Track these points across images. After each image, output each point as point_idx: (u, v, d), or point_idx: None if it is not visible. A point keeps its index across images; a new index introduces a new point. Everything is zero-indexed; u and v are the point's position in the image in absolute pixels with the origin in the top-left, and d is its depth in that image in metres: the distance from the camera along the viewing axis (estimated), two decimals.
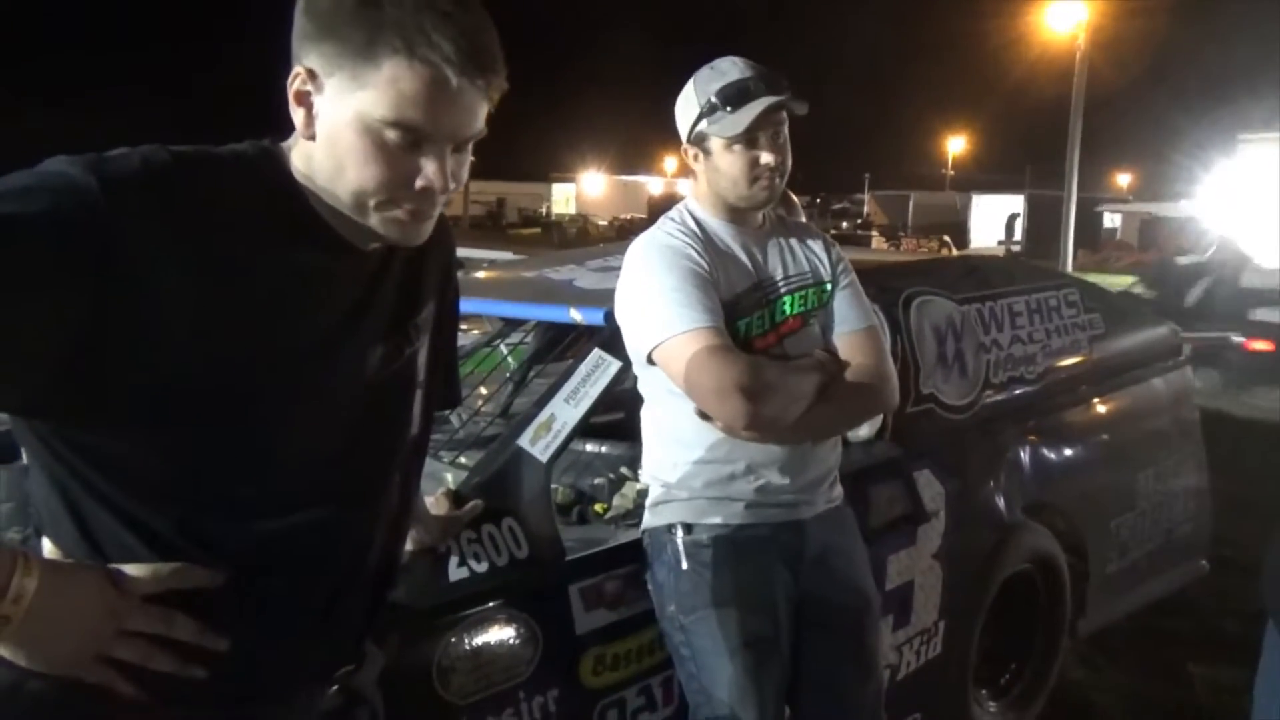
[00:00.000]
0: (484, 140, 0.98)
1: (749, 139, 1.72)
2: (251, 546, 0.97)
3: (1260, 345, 7.85)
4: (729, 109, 1.71)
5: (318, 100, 0.93)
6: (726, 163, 1.74)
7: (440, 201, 0.98)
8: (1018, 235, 35.96)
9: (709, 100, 1.73)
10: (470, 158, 1.00)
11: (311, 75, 0.92)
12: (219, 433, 0.92)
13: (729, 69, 1.74)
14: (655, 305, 1.68)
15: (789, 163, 1.78)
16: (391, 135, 0.91)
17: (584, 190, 60.93)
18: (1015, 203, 38.99)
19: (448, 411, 2.70)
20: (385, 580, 1.16)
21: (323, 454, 1.01)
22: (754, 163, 1.72)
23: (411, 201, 0.96)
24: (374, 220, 0.96)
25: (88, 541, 0.93)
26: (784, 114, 1.74)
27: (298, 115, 0.95)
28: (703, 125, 1.75)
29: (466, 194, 45.33)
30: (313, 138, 0.95)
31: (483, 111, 0.96)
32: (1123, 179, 59.04)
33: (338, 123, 0.92)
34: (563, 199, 60.70)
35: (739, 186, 1.74)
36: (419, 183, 0.94)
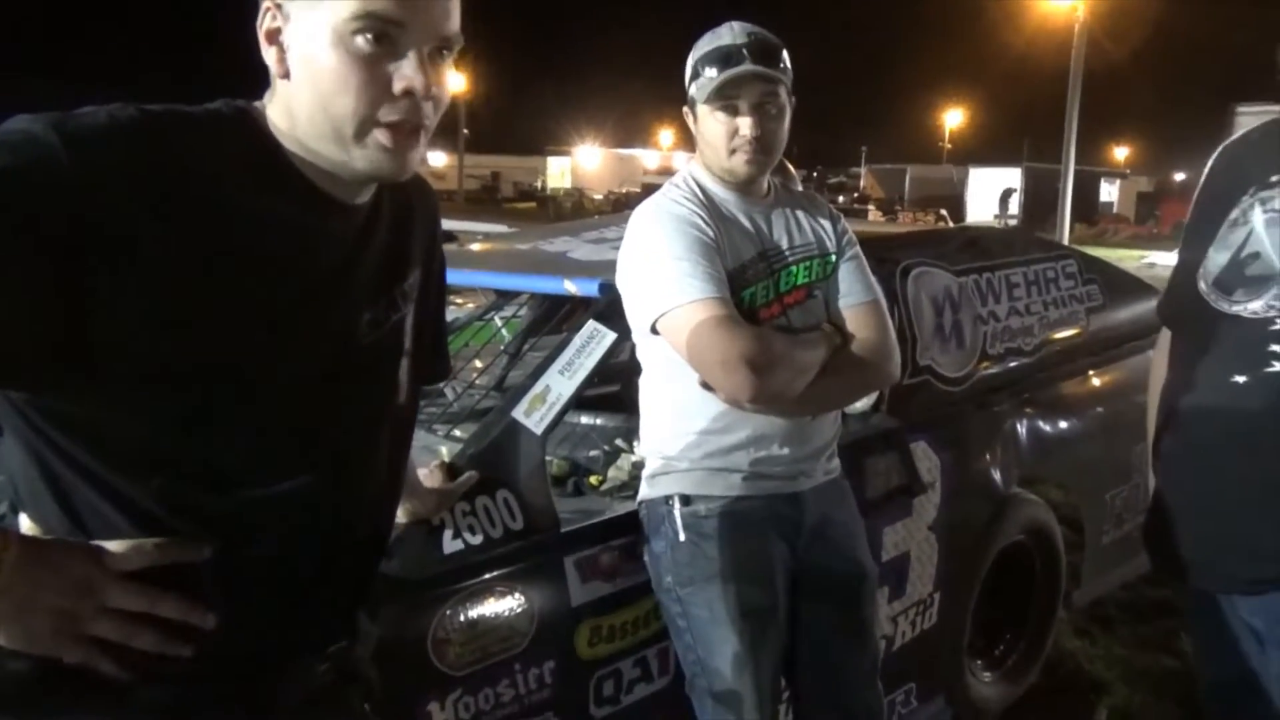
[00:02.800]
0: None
1: (728, 105, 1.70)
2: (236, 516, 0.95)
3: None
4: (711, 73, 1.69)
5: (287, 31, 0.91)
6: (708, 128, 1.73)
7: (425, 120, 0.94)
8: (1014, 209, 35.91)
9: (697, 61, 1.73)
10: (451, 73, 0.96)
11: (278, 7, 0.90)
12: (201, 393, 0.90)
13: (724, 33, 1.72)
14: (660, 274, 1.66)
15: (780, 136, 1.74)
16: (362, 40, 0.88)
17: (579, 164, 60.64)
18: (1012, 176, 38.89)
19: (441, 384, 2.69)
20: (376, 551, 1.15)
21: (308, 418, 0.98)
22: (734, 131, 1.70)
23: (395, 113, 0.91)
24: (357, 155, 0.93)
25: (68, 516, 0.91)
26: (776, 86, 1.71)
27: (270, 55, 0.92)
28: (692, 88, 1.75)
29: (461, 168, 45.15)
30: (287, 75, 0.92)
31: (452, 8, 0.94)
32: (1120, 152, 58.90)
33: (309, 47, 0.90)
34: (558, 173, 60.45)
35: (719, 154, 1.73)
36: (398, 85, 0.90)
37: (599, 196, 45.36)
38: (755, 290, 1.72)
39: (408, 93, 0.91)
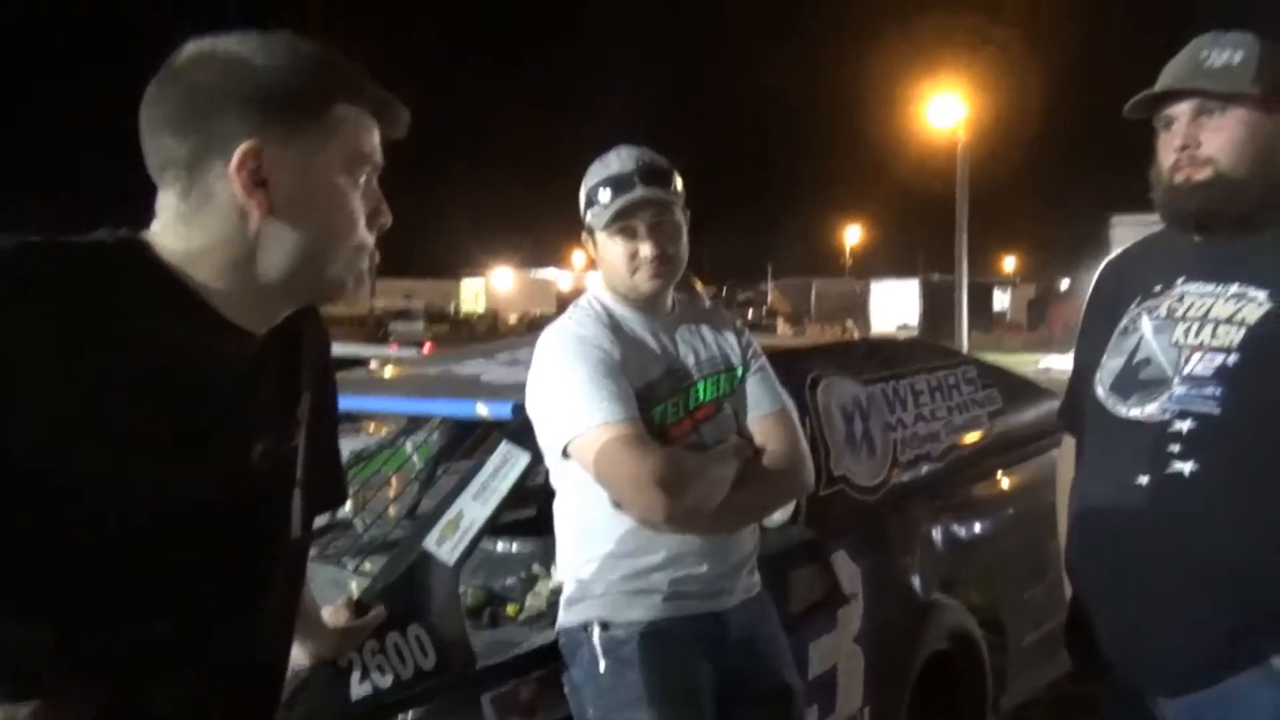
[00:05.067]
0: (392, 236, 1.07)
1: (625, 229, 1.74)
2: (126, 656, 0.89)
3: None
4: (605, 200, 1.74)
5: (276, 174, 0.93)
6: (609, 252, 1.77)
7: None
8: (913, 322, 37.30)
9: (590, 191, 1.77)
10: None
11: (260, 151, 0.92)
12: (84, 532, 0.84)
13: (612, 160, 1.78)
14: (568, 397, 1.66)
15: (679, 252, 1.79)
16: (358, 176, 1.00)
17: (494, 286, 61.02)
18: (910, 287, 40.59)
19: (350, 514, 2.60)
20: (270, 696, 1.08)
21: (193, 554, 0.93)
22: (633, 253, 1.74)
23: (372, 237, 1.02)
24: (335, 275, 1.00)
25: None
26: (669, 206, 1.76)
27: (254, 198, 0.93)
28: (589, 216, 1.79)
29: (373, 291, 44.93)
30: (270, 212, 0.94)
31: None
32: (1009, 262, 62.21)
33: (311, 182, 0.96)
34: (472, 295, 60.64)
35: (621, 275, 1.76)
36: (383, 217, 1.03)
37: (514, 318, 45.54)
38: (665, 408, 1.73)
39: (383, 222, 1.03)
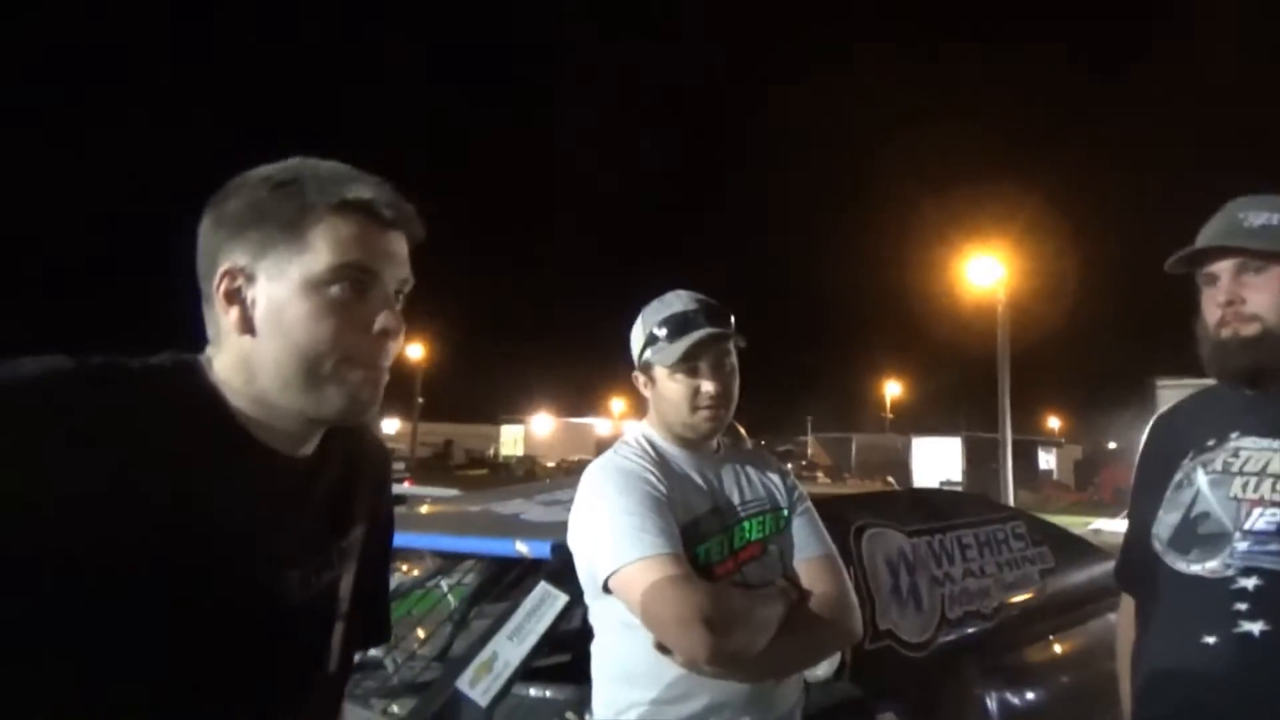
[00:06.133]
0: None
1: (689, 368, 1.76)
2: None
3: None
4: (670, 339, 1.76)
5: (251, 291, 0.94)
6: (670, 390, 1.78)
7: (390, 359, 0.99)
8: (956, 478, 36.74)
9: (652, 330, 1.80)
10: (409, 343, 1.01)
11: (238, 271, 0.94)
12: (109, 663, 0.83)
13: (674, 301, 1.81)
14: (612, 530, 1.63)
15: (735, 391, 1.80)
16: (336, 289, 0.94)
17: (533, 431, 61.41)
18: (953, 445, 40.10)
19: (380, 654, 2.54)
20: None
21: (226, 687, 0.91)
22: (695, 391, 1.75)
23: (370, 355, 0.96)
24: (331, 395, 0.95)
25: None
26: (728, 345, 1.79)
27: (230, 315, 0.94)
28: (648, 354, 1.80)
29: (415, 435, 45.39)
30: (250, 331, 0.94)
31: (406, 255, 1.00)
32: (1053, 422, 61.43)
33: (281, 300, 0.93)
34: (511, 440, 60.96)
35: (682, 413, 1.76)
36: (378, 325, 0.96)
37: (551, 464, 45.55)
38: (710, 546, 1.70)
39: (384, 334, 0.97)
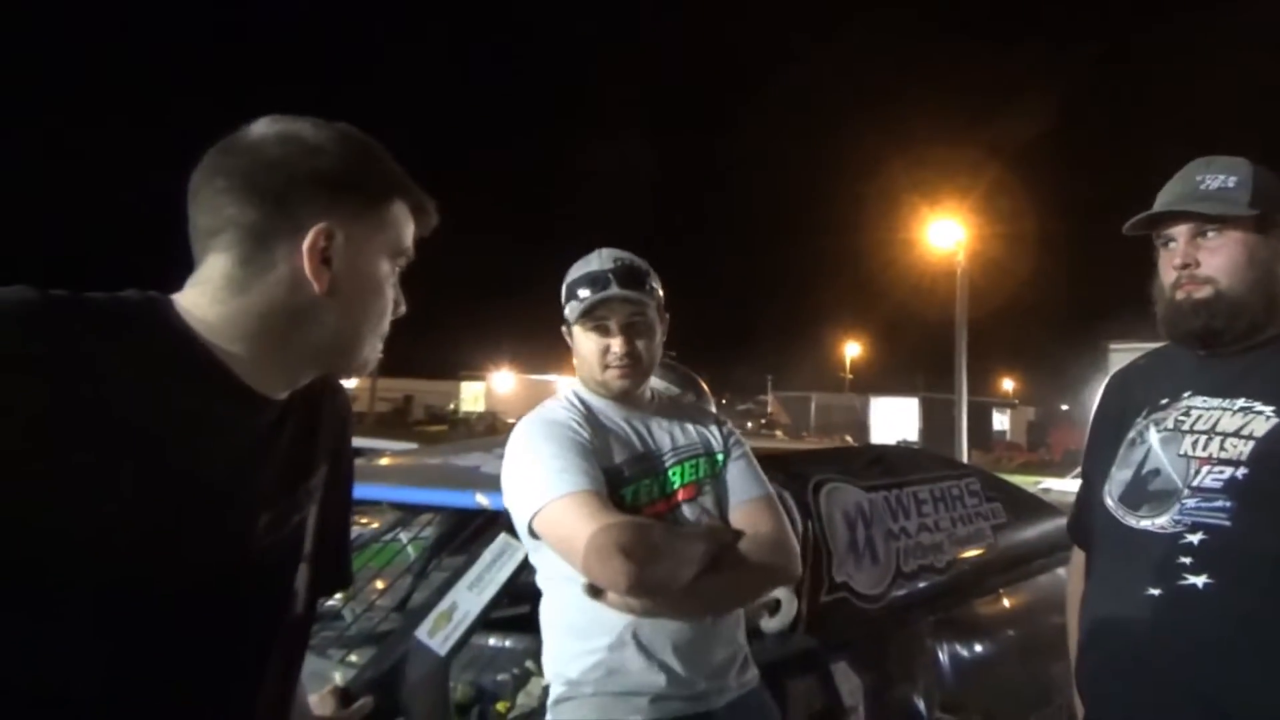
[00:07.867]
0: (393, 338, 1.11)
1: (599, 326, 1.78)
2: None
3: None
4: (583, 294, 1.77)
5: (338, 257, 0.97)
6: (582, 347, 1.81)
7: None
8: (913, 438, 37.36)
9: (569, 285, 1.82)
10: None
11: (330, 234, 0.96)
12: (74, 611, 0.82)
13: (593, 259, 1.82)
14: (533, 473, 1.66)
15: (651, 351, 1.81)
16: (394, 267, 1.06)
17: (494, 388, 61.18)
18: (910, 405, 40.72)
19: (339, 604, 2.54)
20: None
21: (190, 631, 0.90)
22: (605, 349, 1.78)
23: (387, 326, 1.08)
24: (362, 355, 1.05)
25: None
26: (643, 306, 1.79)
27: (320, 276, 0.97)
28: (567, 310, 1.83)
29: (374, 390, 45.05)
30: (327, 290, 0.97)
31: None
32: (1007, 384, 62.54)
33: (364, 268, 1.01)
34: (472, 397, 60.73)
35: (594, 370, 1.80)
36: (403, 301, 1.09)
37: (513, 420, 45.37)
38: (637, 488, 1.72)
39: (397, 307, 1.09)
